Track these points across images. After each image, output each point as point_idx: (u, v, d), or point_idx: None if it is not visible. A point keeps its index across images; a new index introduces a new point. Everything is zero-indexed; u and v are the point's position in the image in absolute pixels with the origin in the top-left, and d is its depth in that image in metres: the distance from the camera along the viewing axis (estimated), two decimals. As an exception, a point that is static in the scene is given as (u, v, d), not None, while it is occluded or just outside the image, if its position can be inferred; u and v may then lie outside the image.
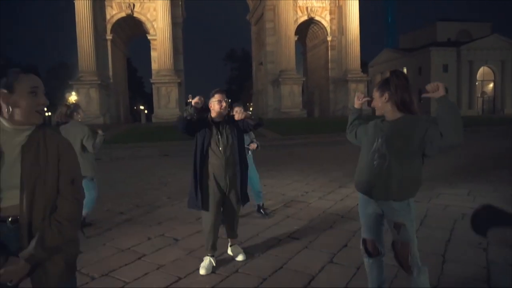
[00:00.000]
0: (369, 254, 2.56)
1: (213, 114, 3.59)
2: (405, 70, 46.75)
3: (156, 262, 3.73)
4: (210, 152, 3.53)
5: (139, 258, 3.86)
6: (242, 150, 3.68)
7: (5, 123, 1.58)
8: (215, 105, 3.55)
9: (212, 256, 3.61)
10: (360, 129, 2.68)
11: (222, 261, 3.71)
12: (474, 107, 43.96)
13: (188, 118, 3.38)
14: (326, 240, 4.20)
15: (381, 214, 2.47)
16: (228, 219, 3.81)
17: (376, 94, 2.42)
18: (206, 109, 3.57)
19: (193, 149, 3.58)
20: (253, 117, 3.60)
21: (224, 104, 3.55)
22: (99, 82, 29.94)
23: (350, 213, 5.28)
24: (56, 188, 1.60)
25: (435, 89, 2.16)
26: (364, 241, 2.57)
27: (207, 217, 3.60)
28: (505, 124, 24.09)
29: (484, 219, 0.55)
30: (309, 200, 6.19)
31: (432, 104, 33.60)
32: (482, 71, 44.91)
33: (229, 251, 3.82)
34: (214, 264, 3.56)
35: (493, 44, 43.72)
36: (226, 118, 3.65)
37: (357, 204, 5.97)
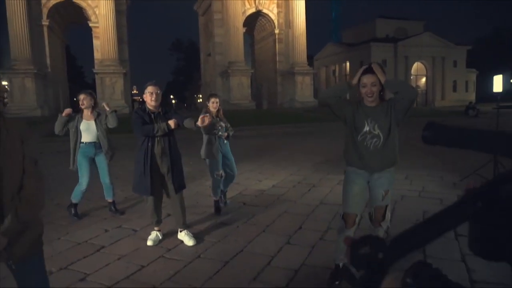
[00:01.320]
0: (348, 227, 2.93)
1: (148, 106, 3.87)
2: (347, 64, 48.91)
3: (117, 253, 3.73)
4: (152, 141, 3.83)
5: (98, 250, 3.84)
6: (173, 141, 3.93)
7: None
8: (147, 96, 3.85)
9: (158, 230, 4.04)
10: (347, 109, 2.88)
11: (183, 247, 3.81)
12: (410, 100, 47.07)
13: (156, 134, 3.76)
14: (282, 224, 4.45)
15: (366, 188, 2.94)
16: (173, 209, 4.09)
17: (369, 81, 2.73)
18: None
19: (140, 140, 3.84)
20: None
21: (154, 96, 3.80)
22: (35, 71, 27.88)
23: (302, 198, 5.60)
24: (22, 169, 1.72)
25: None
26: (347, 215, 2.94)
27: (150, 201, 3.99)
28: (435, 116, 26.25)
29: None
30: (263, 188, 6.43)
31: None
32: (416, 66, 48.31)
33: (179, 236, 4.01)
34: (161, 237, 4.01)
35: (426, 42, 47.12)
36: (161, 110, 3.90)
37: (309, 190, 6.28)
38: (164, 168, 3.88)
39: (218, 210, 4.95)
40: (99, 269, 3.38)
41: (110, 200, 5.10)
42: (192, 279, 3.17)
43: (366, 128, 2.80)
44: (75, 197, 4.89)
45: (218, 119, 4.94)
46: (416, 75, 48.80)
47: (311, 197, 5.66)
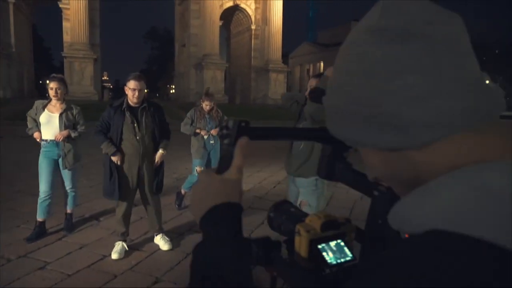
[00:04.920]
0: None
1: (129, 100, 3.47)
2: (322, 64, 49.66)
3: (79, 242, 3.74)
4: (124, 142, 3.50)
5: (60, 239, 3.83)
6: (160, 138, 3.67)
7: None
8: (128, 92, 3.44)
9: (124, 241, 3.61)
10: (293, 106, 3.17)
11: (146, 241, 3.87)
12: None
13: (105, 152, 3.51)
14: (247, 220, 4.58)
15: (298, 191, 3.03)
16: (148, 211, 3.81)
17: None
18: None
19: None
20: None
21: (137, 93, 3.39)
22: (-2, 50, 26.54)
23: (267, 195, 5.77)
24: None
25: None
26: None
27: (119, 207, 3.65)
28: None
29: None
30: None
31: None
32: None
33: (155, 240, 3.78)
34: (127, 248, 3.58)
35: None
36: (146, 104, 3.53)
37: (274, 187, 6.42)
38: (134, 169, 3.55)
39: (180, 203, 4.99)
40: (60, 258, 3.39)
41: (69, 210, 4.17)
42: (153, 269, 3.25)
43: (301, 124, 2.95)
44: (38, 213, 3.91)
45: (208, 117, 4.97)
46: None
47: (275, 193, 5.84)
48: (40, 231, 3.87)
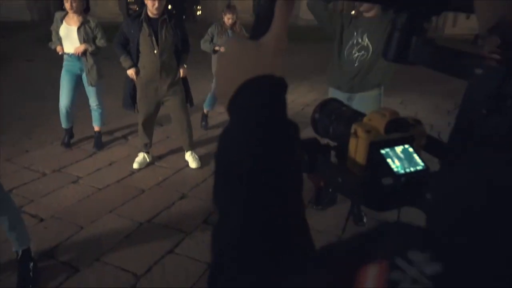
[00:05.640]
0: None
1: (149, 12, 3.28)
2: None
3: (108, 159, 3.84)
4: (141, 55, 3.36)
5: (90, 156, 3.94)
6: (182, 53, 3.53)
7: None
8: (148, 2, 3.23)
9: (147, 152, 3.72)
10: (337, 21, 2.68)
11: (173, 157, 3.91)
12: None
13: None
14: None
15: None
16: (177, 128, 3.76)
17: None
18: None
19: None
20: None
21: (156, 4, 3.18)
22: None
23: (297, 116, 5.62)
24: None
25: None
26: None
27: (139, 119, 3.64)
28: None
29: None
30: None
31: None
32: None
33: (186, 157, 3.79)
34: (148, 160, 3.71)
35: None
36: (167, 16, 3.33)
37: (302, 109, 6.24)
38: (153, 83, 3.42)
39: (206, 123, 4.92)
40: (90, 173, 3.51)
41: (96, 128, 4.20)
42: (180, 185, 3.32)
43: (354, 39, 2.57)
44: (63, 123, 4.06)
45: (230, 32, 4.59)
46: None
47: (304, 115, 5.68)
48: (69, 135, 4.13)
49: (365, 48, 2.55)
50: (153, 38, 3.30)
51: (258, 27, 0.43)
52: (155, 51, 3.33)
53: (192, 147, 3.81)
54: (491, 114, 0.34)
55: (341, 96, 2.71)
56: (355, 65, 2.60)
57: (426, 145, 0.50)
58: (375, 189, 0.45)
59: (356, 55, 2.58)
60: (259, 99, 0.38)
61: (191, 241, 2.56)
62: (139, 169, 3.60)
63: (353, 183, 0.48)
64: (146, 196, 3.15)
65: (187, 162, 3.74)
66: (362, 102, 2.66)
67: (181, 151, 3.92)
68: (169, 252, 2.45)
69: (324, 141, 0.55)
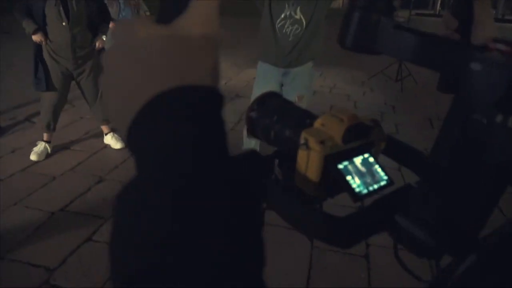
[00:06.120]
0: None
1: None
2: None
3: (10, 146, 3.43)
4: (48, 27, 2.99)
5: None
6: (99, 25, 3.21)
7: None
8: None
9: (47, 142, 3.25)
10: None
11: (90, 140, 3.63)
12: None
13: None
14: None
15: (281, 85, 2.73)
16: (93, 105, 3.36)
17: None
18: None
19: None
20: None
21: None
22: None
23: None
24: None
25: None
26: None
27: (46, 97, 3.19)
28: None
29: None
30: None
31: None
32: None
33: (105, 140, 3.51)
34: (49, 151, 3.26)
35: None
36: None
37: (225, 83, 6.21)
38: (64, 58, 3.07)
39: None
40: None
41: None
42: (96, 169, 3.09)
43: (286, 12, 2.52)
44: None
45: (122, 1, 4.25)
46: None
47: (227, 89, 5.61)
48: None
49: (298, 22, 2.50)
50: (61, 8, 2.93)
51: (165, 10, 0.29)
52: (63, 23, 2.96)
53: (108, 122, 3.46)
54: (493, 126, 0.26)
55: (275, 71, 2.70)
56: (289, 39, 2.56)
57: (386, 149, 0.42)
58: (339, 222, 0.35)
59: (289, 29, 2.53)
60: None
61: (110, 226, 2.41)
62: (37, 161, 3.16)
63: (311, 219, 0.37)
64: (57, 183, 2.87)
65: (104, 144, 3.49)
66: (297, 76, 2.66)
67: (97, 131, 3.64)
68: (86, 241, 2.28)
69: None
